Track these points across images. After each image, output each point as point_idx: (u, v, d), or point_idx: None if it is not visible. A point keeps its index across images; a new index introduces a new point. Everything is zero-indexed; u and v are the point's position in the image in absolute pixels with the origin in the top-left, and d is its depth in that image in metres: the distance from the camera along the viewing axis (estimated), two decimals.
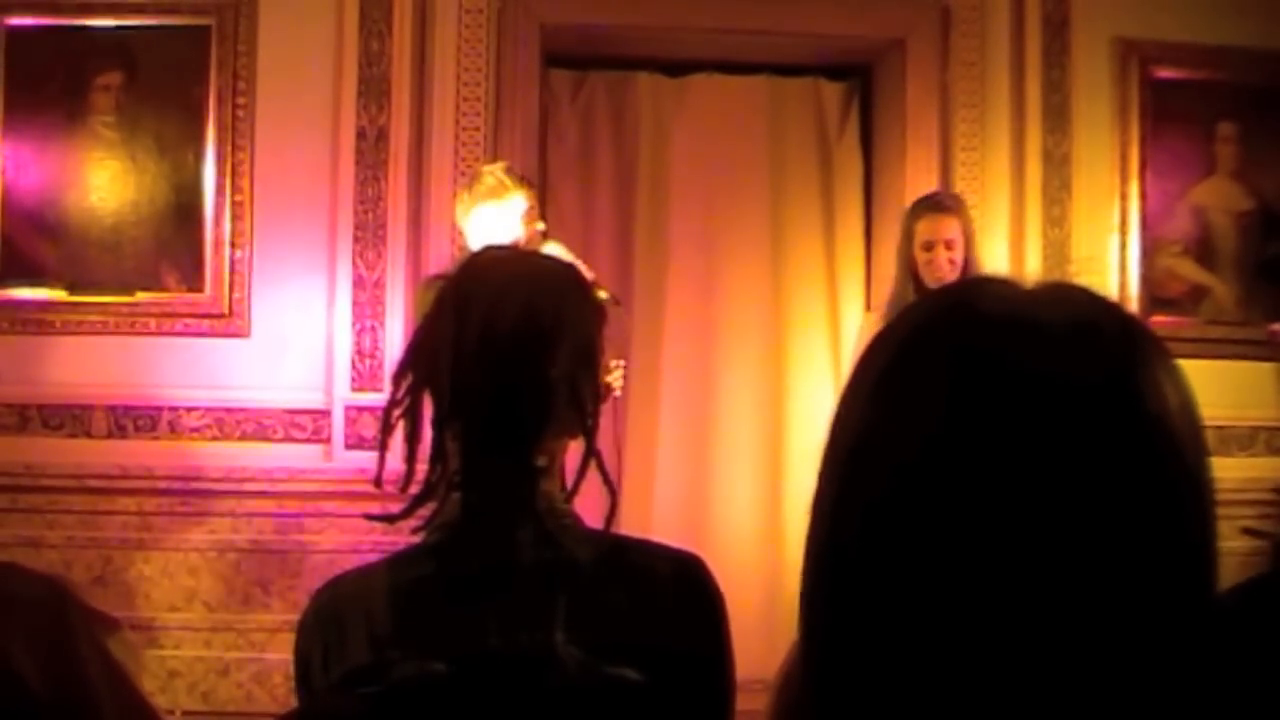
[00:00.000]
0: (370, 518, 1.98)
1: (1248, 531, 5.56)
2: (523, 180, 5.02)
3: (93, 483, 5.59)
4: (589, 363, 1.93)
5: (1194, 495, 0.97)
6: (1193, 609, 0.96)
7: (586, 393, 1.91)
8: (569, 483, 1.94)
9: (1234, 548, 5.78)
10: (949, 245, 4.89)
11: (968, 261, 4.92)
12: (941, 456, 0.95)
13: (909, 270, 4.96)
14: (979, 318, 1.01)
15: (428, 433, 1.88)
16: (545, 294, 1.91)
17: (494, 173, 5.01)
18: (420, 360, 1.92)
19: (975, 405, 0.95)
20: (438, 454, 1.87)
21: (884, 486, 0.98)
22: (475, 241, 4.87)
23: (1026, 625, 0.92)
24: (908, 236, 4.98)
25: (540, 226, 4.97)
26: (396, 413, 1.90)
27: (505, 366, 1.86)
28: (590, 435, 1.91)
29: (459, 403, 1.86)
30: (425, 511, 1.90)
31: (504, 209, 4.88)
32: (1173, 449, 0.96)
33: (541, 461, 1.88)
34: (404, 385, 1.91)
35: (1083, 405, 0.94)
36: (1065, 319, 0.98)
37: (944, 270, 4.85)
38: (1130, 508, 0.93)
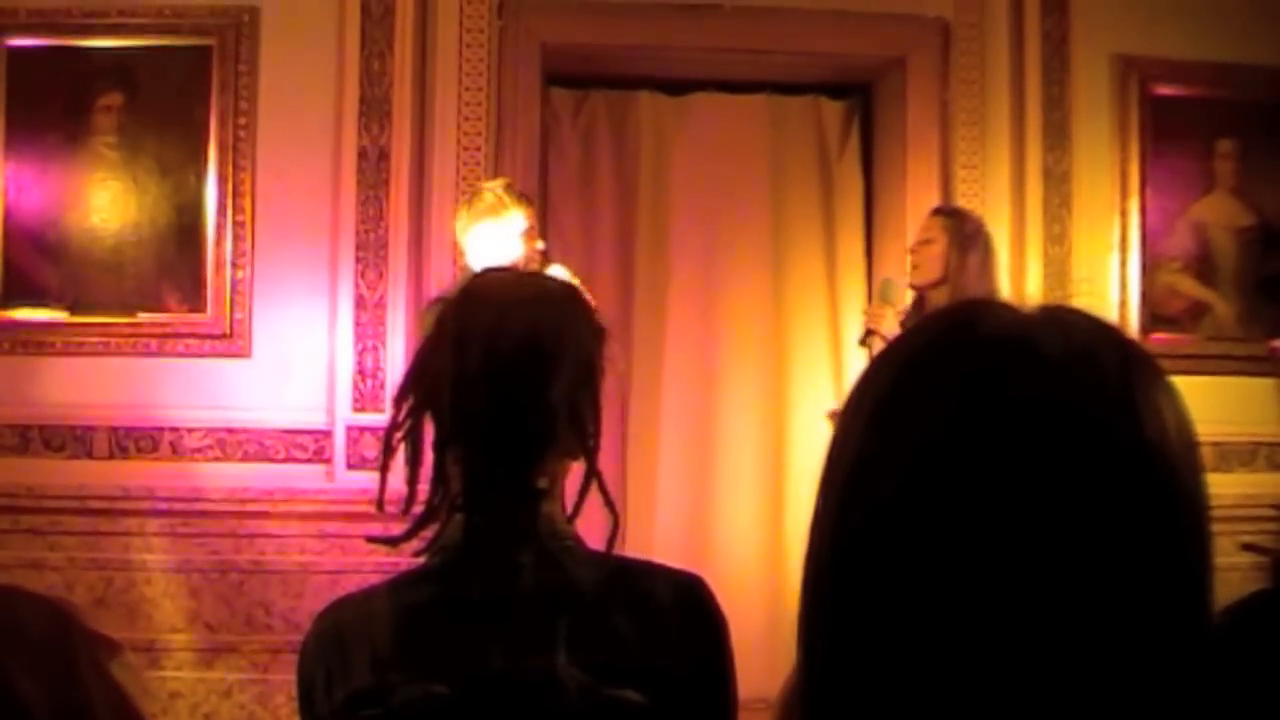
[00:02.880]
0: (372, 540, 1.98)
1: (1247, 547, 5.57)
2: (522, 198, 4.99)
3: (94, 504, 5.59)
4: (590, 384, 1.93)
5: (1191, 517, 0.97)
6: (1189, 629, 0.96)
7: (587, 414, 1.91)
8: (570, 505, 1.94)
9: (1234, 563, 5.80)
10: (922, 239, 4.96)
11: (952, 269, 4.93)
12: (940, 479, 0.95)
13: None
14: (977, 341, 1.01)
15: (429, 455, 1.88)
16: (546, 315, 1.92)
17: (494, 189, 5.00)
18: (421, 383, 1.92)
19: (974, 428, 0.95)
20: (439, 476, 1.87)
21: (883, 508, 0.98)
22: (474, 258, 4.87)
23: (1024, 646, 0.92)
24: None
25: (540, 245, 4.95)
26: (398, 435, 1.90)
27: (506, 388, 1.86)
28: (591, 456, 1.91)
29: (460, 425, 1.86)
30: (427, 533, 1.90)
31: (502, 226, 4.86)
32: (1171, 471, 0.96)
33: (543, 483, 1.88)
34: (405, 408, 1.91)
35: (1082, 429, 0.95)
36: (1063, 343, 0.98)
37: (915, 265, 4.92)
38: (1129, 530, 0.94)
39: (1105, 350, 0.99)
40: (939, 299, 4.81)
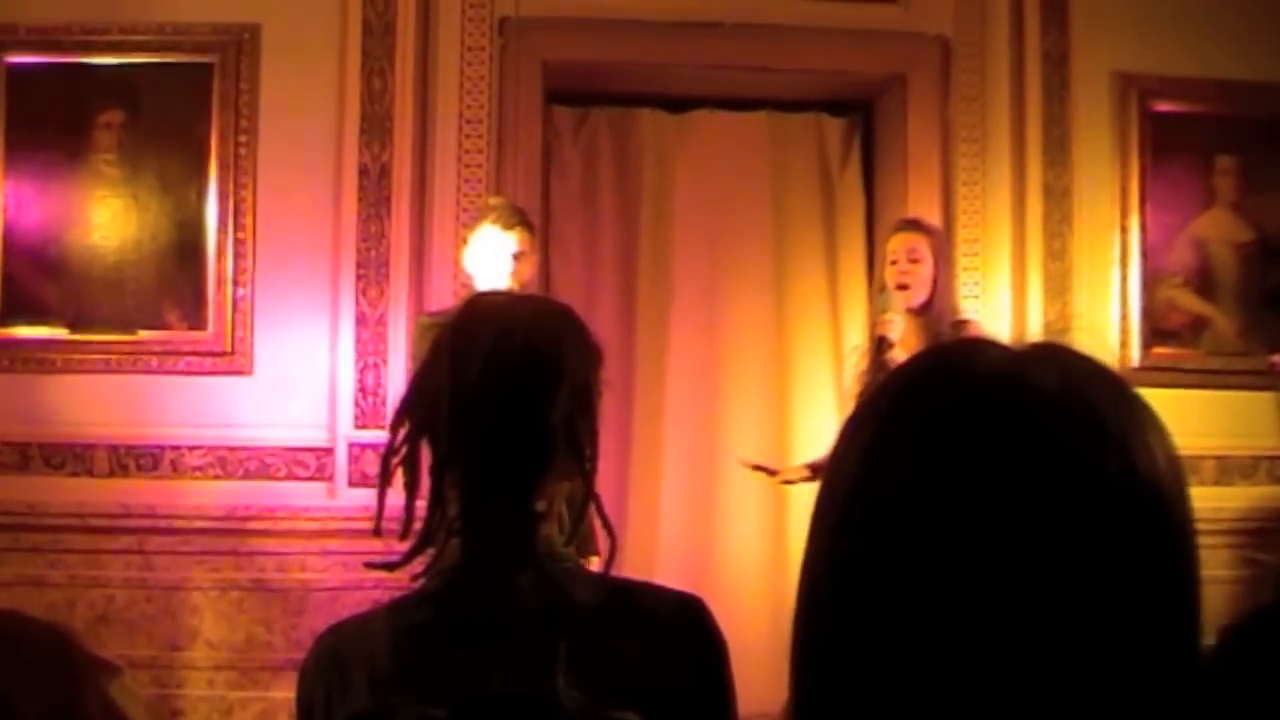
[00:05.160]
0: (370, 566, 1.98)
1: (1250, 560, 5.58)
2: (518, 214, 5.00)
3: (95, 522, 5.58)
4: (587, 405, 1.93)
5: (1182, 551, 0.98)
6: (1180, 663, 0.97)
7: (585, 436, 1.91)
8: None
9: (1236, 576, 5.79)
10: (911, 257, 4.91)
11: (938, 286, 4.90)
12: (934, 512, 0.95)
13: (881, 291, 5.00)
14: (973, 376, 1.01)
15: (426, 479, 1.88)
16: (542, 338, 1.91)
17: (488, 201, 5.13)
18: (418, 405, 1.92)
19: (968, 463, 0.96)
20: (436, 500, 1.87)
21: (877, 537, 0.99)
22: (472, 267, 4.92)
23: (1015, 675, 0.93)
24: (882, 257, 5.04)
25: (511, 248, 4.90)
26: (395, 460, 1.90)
27: (504, 412, 1.86)
28: (589, 479, 1.91)
29: (458, 447, 1.86)
30: (428, 554, 1.90)
31: (482, 235, 4.91)
32: (1163, 506, 0.97)
33: (541, 506, 1.88)
34: (402, 432, 1.91)
35: (1075, 464, 0.95)
36: (1057, 379, 0.99)
37: (901, 278, 4.86)
38: (1122, 563, 0.94)
39: (1098, 387, 1.00)
40: (921, 320, 4.78)
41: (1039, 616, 0.93)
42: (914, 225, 5.16)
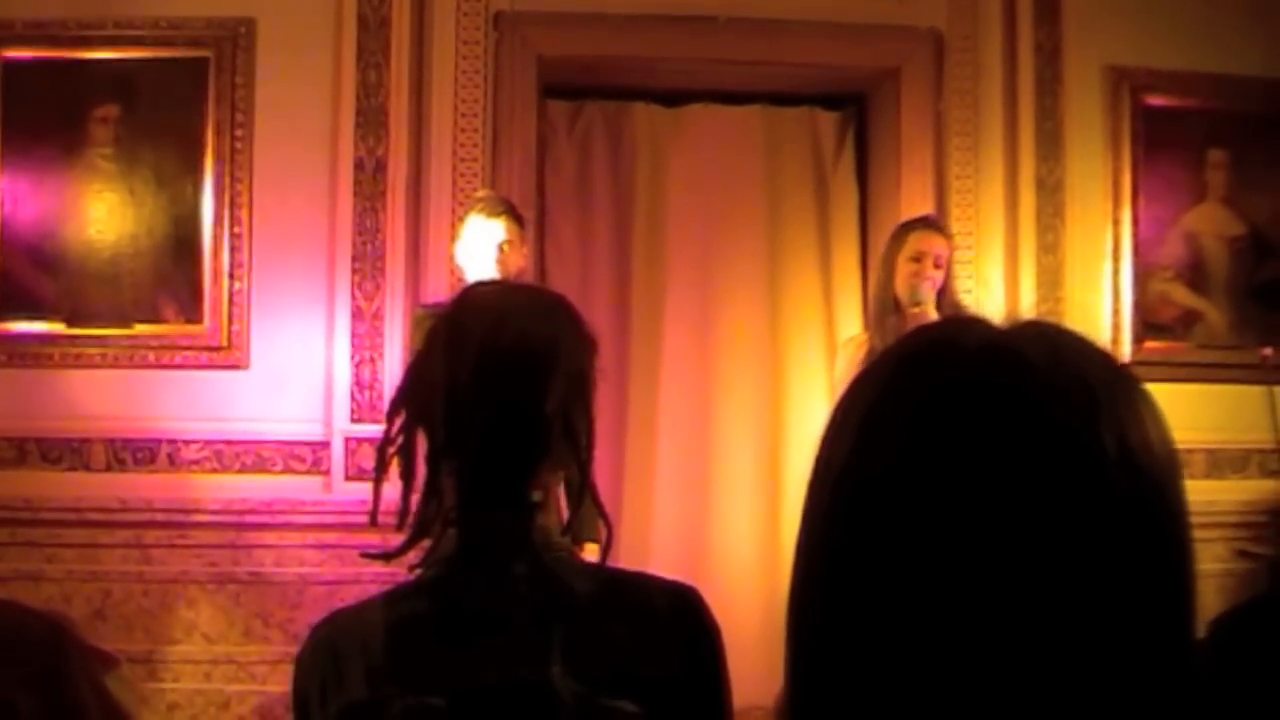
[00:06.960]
0: (366, 555, 1.99)
1: (1242, 553, 5.60)
2: (504, 204, 5.05)
3: (92, 516, 5.58)
4: (583, 395, 1.93)
5: (1173, 527, 0.98)
6: (1174, 644, 0.97)
7: (581, 425, 1.92)
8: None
9: (1229, 569, 5.78)
10: (937, 263, 4.90)
11: (945, 289, 4.93)
12: (926, 487, 0.96)
13: (889, 288, 4.95)
14: (964, 351, 1.02)
15: (422, 470, 1.89)
16: (537, 328, 1.91)
17: (476, 193, 5.26)
18: (414, 397, 1.93)
19: (959, 438, 0.96)
20: (433, 490, 1.88)
21: (869, 514, 0.99)
22: (462, 260, 4.98)
23: (1007, 657, 0.93)
24: (896, 246, 4.98)
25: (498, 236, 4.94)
26: (391, 450, 1.91)
27: (500, 400, 1.86)
28: (585, 468, 1.92)
29: (454, 437, 1.86)
30: (424, 545, 1.91)
31: (470, 225, 4.96)
32: (1154, 483, 0.97)
33: (537, 496, 1.89)
34: (398, 422, 1.92)
35: (1067, 439, 0.95)
36: (1048, 355, 0.99)
37: (925, 285, 4.85)
38: (1112, 538, 0.94)
39: (1089, 363, 1.00)
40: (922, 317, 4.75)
41: (1035, 597, 0.93)
42: (939, 227, 5.11)
